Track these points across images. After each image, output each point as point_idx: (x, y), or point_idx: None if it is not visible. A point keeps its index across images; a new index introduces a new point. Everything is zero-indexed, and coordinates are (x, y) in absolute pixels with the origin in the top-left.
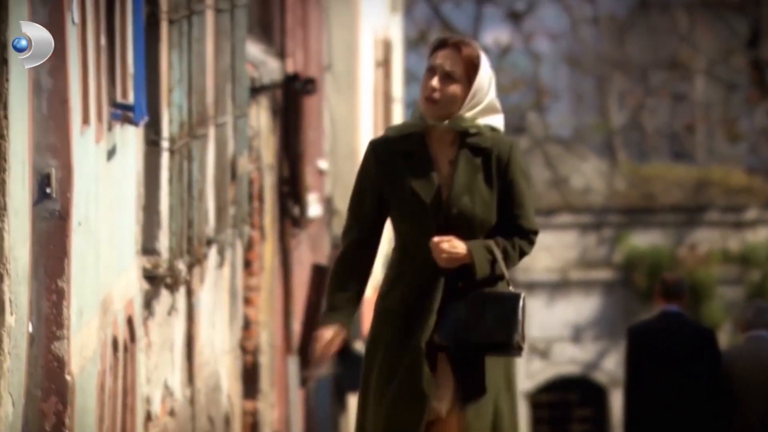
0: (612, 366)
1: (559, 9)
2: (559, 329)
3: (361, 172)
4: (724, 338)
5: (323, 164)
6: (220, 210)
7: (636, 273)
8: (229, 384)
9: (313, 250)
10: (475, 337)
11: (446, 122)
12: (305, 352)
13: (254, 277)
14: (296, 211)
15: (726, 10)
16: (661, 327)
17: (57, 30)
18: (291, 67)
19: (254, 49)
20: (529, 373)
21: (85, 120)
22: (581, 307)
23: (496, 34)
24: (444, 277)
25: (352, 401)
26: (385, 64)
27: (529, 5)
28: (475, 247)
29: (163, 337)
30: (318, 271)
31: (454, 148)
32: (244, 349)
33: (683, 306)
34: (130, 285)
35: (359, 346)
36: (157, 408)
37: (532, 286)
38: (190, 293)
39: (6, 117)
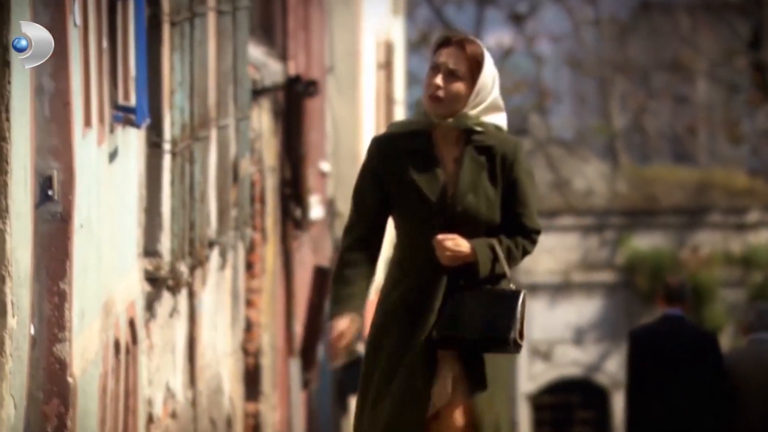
0: (614, 368)
1: (560, 11)
2: (560, 331)
3: (364, 169)
4: (726, 340)
5: (325, 166)
6: (222, 212)
7: (638, 275)
8: (231, 386)
9: (315, 252)
10: (473, 333)
11: (451, 120)
12: (307, 354)
13: (256, 279)
14: (298, 213)
15: (727, 11)
16: (662, 331)
17: (59, 32)
18: (293, 69)
19: (256, 52)
20: (530, 375)
21: (87, 122)
22: (583, 309)
23: (498, 36)
24: (446, 276)
25: (354, 403)
26: (386, 66)
27: (530, 7)
28: (479, 246)
29: (164, 339)
30: (320, 273)
31: (459, 146)
32: (245, 351)
33: (685, 310)
34: (132, 287)
35: (360, 348)
36: (158, 410)
37: (534, 288)
38: (191, 295)
39: (8, 119)
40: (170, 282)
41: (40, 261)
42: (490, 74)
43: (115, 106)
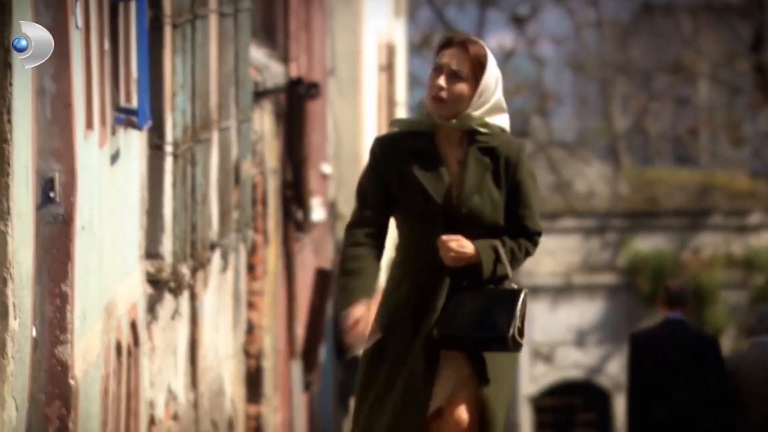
0: (615, 370)
1: (562, 13)
2: (562, 333)
3: (367, 168)
4: (728, 343)
5: (327, 168)
6: (224, 214)
7: (639, 277)
8: (233, 388)
9: (317, 254)
10: (473, 332)
11: (454, 121)
12: (309, 356)
13: (258, 281)
14: (300, 215)
15: (730, 14)
16: (663, 334)
17: (60, 34)
18: (294, 71)
19: (258, 54)
20: (532, 377)
21: (89, 124)
22: (585, 312)
23: (499, 38)
24: (449, 277)
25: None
26: (388, 68)
27: (532, 9)
28: (483, 247)
29: (166, 341)
30: (321, 275)
31: (462, 147)
32: (247, 353)
33: (687, 313)
34: (134, 289)
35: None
36: (160, 412)
37: (535, 290)
38: (193, 297)
39: (9, 121)
40: (172, 284)
41: (41, 263)
42: (493, 75)
43: (117, 108)
